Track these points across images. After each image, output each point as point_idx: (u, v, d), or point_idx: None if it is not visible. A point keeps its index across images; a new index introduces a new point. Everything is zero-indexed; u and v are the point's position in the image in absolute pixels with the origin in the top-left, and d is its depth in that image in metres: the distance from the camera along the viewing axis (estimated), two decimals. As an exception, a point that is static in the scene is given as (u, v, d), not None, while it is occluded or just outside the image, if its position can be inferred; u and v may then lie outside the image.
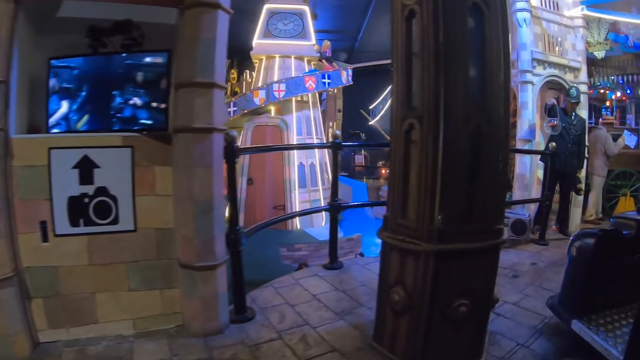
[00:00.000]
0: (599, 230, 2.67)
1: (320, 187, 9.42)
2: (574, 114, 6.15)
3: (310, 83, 9.05)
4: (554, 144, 5.62)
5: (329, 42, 11.13)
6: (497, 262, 2.49)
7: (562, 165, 6.01)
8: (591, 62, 11.08)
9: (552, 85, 6.85)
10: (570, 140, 6.05)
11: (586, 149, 6.45)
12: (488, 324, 2.64)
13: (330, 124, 20.18)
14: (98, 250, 2.73)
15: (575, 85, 6.28)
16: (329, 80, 9.33)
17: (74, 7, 2.99)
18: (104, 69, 3.00)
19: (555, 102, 5.96)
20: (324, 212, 9.01)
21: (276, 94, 8.89)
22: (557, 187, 6.33)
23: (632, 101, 12.05)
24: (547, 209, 5.68)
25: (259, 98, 9.01)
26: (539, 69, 6.31)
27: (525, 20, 6.23)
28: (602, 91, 12.14)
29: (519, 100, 6.30)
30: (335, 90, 19.83)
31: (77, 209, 2.69)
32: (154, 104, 2.97)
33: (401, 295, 2.40)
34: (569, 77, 6.59)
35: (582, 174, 6.53)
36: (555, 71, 6.46)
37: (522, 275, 4.33)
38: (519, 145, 6.37)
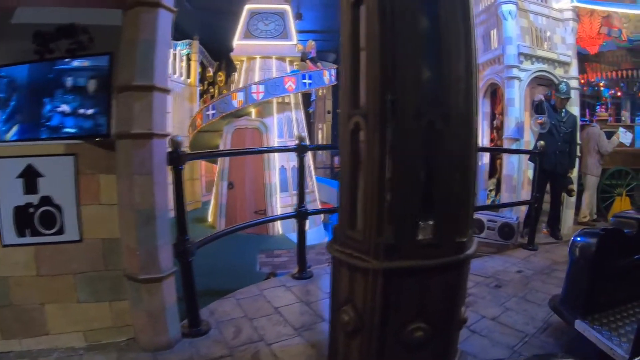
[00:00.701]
0: (601, 229, 2.67)
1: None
2: (564, 110, 5.80)
3: (290, 84, 8.73)
4: (542, 142, 5.27)
5: (313, 42, 10.87)
6: (461, 280, 2.14)
7: (552, 165, 5.66)
8: (584, 57, 10.80)
9: (541, 81, 6.49)
10: (560, 139, 5.69)
11: (578, 147, 6.08)
12: (457, 345, 2.31)
13: (320, 125, 20.04)
14: (45, 260, 2.70)
15: (565, 80, 5.92)
16: (310, 81, 8.99)
17: (20, 13, 3.02)
18: (42, 75, 2.91)
19: (543, 98, 5.62)
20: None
21: (255, 95, 8.61)
22: (548, 188, 6.01)
23: (627, 98, 11.73)
24: (536, 211, 5.36)
25: (237, 100, 8.74)
26: (526, 64, 5.95)
27: (510, 13, 5.87)
28: (596, 88, 11.84)
29: (505, 97, 5.93)
30: (325, 91, 19.77)
31: (23, 218, 2.68)
32: (97, 110, 2.86)
33: (351, 316, 2.07)
34: (558, 72, 6.23)
35: (574, 173, 6.17)
36: (544, 66, 6.10)
37: (506, 285, 4.03)
38: (506, 144, 6.01)
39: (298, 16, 12.38)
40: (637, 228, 2.80)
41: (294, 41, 9.45)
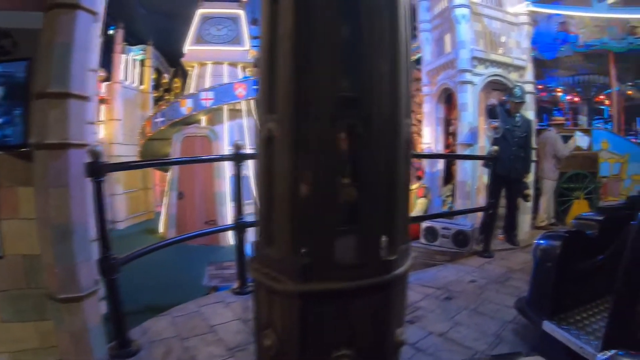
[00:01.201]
0: (564, 232, 2.75)
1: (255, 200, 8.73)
2: (518, 115, 5.65)
3: (240, 90, 8.41)
4: (496, 147, 5.09)
5: None
6: (391, 301, 1.87)
7: (506, 170, 5.50)
8: (541, 63, 10.85)
9: (496, 85, 6.34)
10: (514, 143, 5.54)
11: (533, 151, 5.94)
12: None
13: None
14: (-33, 278, 2.57)
15: (519, 84, 5.78)
16: None
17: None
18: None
19: (496, 103, 5.46)
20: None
21: (204, 102, 8.30)
22: (505, 194, 5.87)
23: (584, 102, 11.88)
24: (491, 218, 5.18)
25: (186, 107, 8.39)
26: (480, 68, 5.78)
27: (464, 17, 5.70)
28: (553, 93, 11.98)
29: (459, 102, 5.75)
30: None
31: (-56, 233, 2.53)
32: (7, 119, 2.68)
33: (273, 340, 1.81)
34: (513, 76, 6.09)
35: (530, 178, 6.04)
36: (499, 70, 5.95)
37: (457, 297, 3.83)
38: (459, 150, 5.82)
39: (254, 22, 12.10)
40: (599, 230, 2.85)
41: (247, 47, 9.14)
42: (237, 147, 3.69)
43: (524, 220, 6.15)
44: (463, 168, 5.68)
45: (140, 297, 5.65)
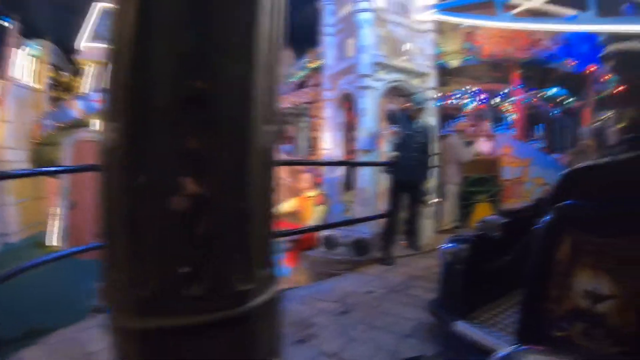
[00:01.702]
0: (470, 235, 2.91)
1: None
2: (418, 121, 5.63)
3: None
4: (394, 153, 5.01)
5: None
6: (256, 334, 1.58)
7: (407, 176, 5.43)
8: (447, 71, 11.13)
9: (400, 92, 6.30)
10: (414, 149, 5.49)
11: (434, 157, 5.95)
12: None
13: None
14: None
15: (419, 90, 5.76)
16: None
17: None
18: None
19: (396, 109, 5.41)
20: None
21: (96, 104, 7.59)
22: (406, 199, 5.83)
23: (489, 110, 12.32)
24: (391, 224, 5.12)
25: (76, 109, 7.66)
26: (381, 74, 5.70)
27: (367, 22, 5.59)
28: (457, 102, 12.33)
29: (358, 107, 5.63)
30: None
31: None
32: None
33: None
34: (416, 82, 6.07)
35: (432, 183, 6.04)
36: (401, 76, 5.90)
37: (353, 310, 3.64)
38: (358, 156, 5.70)
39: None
40: (502, 231, 2.95)
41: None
42: None
43: (427, 225, 6.14)
44: (362, 174, 5.56)
45: (26, 319, 5.08)
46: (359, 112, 5.61)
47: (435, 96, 6.25)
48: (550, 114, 12.30)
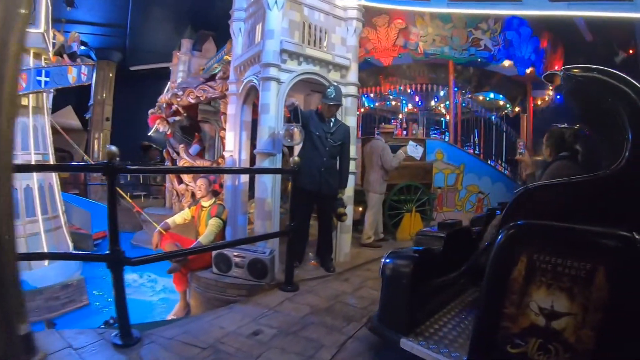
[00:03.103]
0: (412, 250, 2.94)
1: (40, 217, 7.04)
2: (332, 120, 4.89)
3: (19, 81, 6.70)
4: (297, 159, 4.23)
5: (77, 34, 9.03)
6: None
7: (315, 184, 4.70)
8: (379, 69, 10.54)
9: (316, 86, 5.54)
10: (326, 153, 4.75)
11: (352, 162, 5.22)
12: None
13: (97, 134, 17.86)
14: None
15: (335, 84, 5.02)
16: (47, 79, 7.03)
17: None
18: None
19: (297, 103, 4.61)
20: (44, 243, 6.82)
21: None
22: (316, 212, 5.09)
23: (423, 113, 11.83)
24: (295, 242, 4.34)
25: None
26: (290, 64, 4.89)
27: (277, 3, 4.77)
28: (393, 103, 11.78)
29: (260, 102, 4.81)
30: (105, 95, 17.66)
31: None
32: None
33: None
34: (333, 76, 5.30)
35: (348, 193, 5.31)
36: (315, 68, 5.10)
37: None
38: (257, 160, 4.88)
39: (69, 2, 10.28)
40: (443, 244, 3.13)
41: (41, 29, 7.38)
42: (111, 155, 2.82)
43: (343, 240, 5.40)
44: (262, 182, 4.72)
45: None
46: (260, 108, 4.79)
47: (355, 93, 5.51)
48: (487, 119, 11.93)
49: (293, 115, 4.58)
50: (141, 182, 14.96)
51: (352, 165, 5.37)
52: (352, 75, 5.50)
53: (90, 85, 15.52)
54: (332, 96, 4.76)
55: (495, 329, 2.01)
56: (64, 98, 14.74)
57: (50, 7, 7.79)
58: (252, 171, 5.29)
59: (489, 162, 10.70)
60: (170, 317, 5.20)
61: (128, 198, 7.55)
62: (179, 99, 7.72)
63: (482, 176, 9.22)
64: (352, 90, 5.48)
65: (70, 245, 8.02)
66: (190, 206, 5.52)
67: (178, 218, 5.28)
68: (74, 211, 9.17)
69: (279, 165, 4.77)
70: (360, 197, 6.87)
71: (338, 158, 4.92)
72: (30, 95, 7.16)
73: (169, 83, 11.95)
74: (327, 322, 3.46)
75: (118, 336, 2.84)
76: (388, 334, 2.73)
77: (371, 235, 6.44)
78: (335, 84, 5.04)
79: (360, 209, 7.15)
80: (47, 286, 6.03)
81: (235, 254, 4.41)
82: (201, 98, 7.24)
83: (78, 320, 5.92)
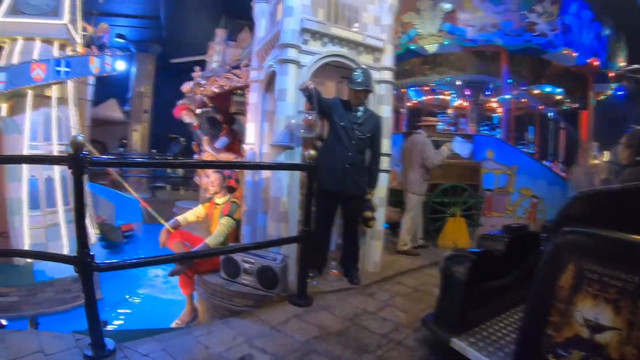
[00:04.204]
0: (471, 252, 2.84)
1: (61, 208, 6.80)
2: (361, 108, 4.24)
3: (39, 72, 6.50)
4: (312, 152, 3.60)
5: (106, 25, 8.77)
6: None
7: (338, 183, 4.07)
8: (423, 59, 9.75)
9: (349, 73, 4.90)
10: (352, 147, 4.11)
11: (381, 158, 4.53)
12: None
13: (135, 126, 17.94)
14: None
15: (364, 66, 4.38)
16: (67, 69, 6.75)
17: None
18: None
19: (311, 86, 3.99)
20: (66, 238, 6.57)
21: None
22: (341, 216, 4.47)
23: (473, 108, 10.90)
24: (312, 249, 3.77)
25: None
26: (313, 45, 4.29)
27: (298, -23, 4.20)
28: (441, 97, 10.90)
29: (277, 88, 4.23)
30: (143, 89, 17.80)
31: None
32: None
33: None
34: (365, 59, 4.64)
35: (380, 194, 4.66)
36: (343, 50, 4.47)
37: None
38: (272, 154, 4.30)
39: (103, -6, 10.23)
40: (505, 248, 3.01)
41: (65, 20, 7.18)
42: (76, 145, 2.41)
43: (373, 247, 4.73)
44: (277, 179, 4.12)
45: None
46: (276, 95, 4.22)
47: (391, 79, 4.84)
48: (543, 115, 10.84)
49: (309, 100, 3.98)
50: (181, 175, 14.98)
51: (385, 162, 4.70)
52: (387, 59, 4.84)
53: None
54: (360, 80, 4.12)
55: (540, 336, 1.97)
56: (105, 90, 15.00)
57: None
58: (259, 167, 4.75)
59: (545, 162, 9.63)
60: (174, 324, 4.81)
61: (130, 189, 7.25)
62: (202, 88, 7.30)
63: (537, 178, 8.23)
64: (387, 75, 4.82)
65: (95, 236, 7.90)
66: (204, 203, 5.06)
67: (190, 215, 4.88)
68: (100, 202, 9.09)
69: (297, 160, 4.15)
70: (399, 198, 6.19)
71: (367, 153, 4.28)
72: (54, 86, 6.98)
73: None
74: (333, 352, 2.83)
75: (89, 346, 2.54)
76: (440, 332, 2.75)
77: (408, 241, 5.72)
78: (364, 66, 4.39)
79: (399, 211, 6.44)
80: (58, 278, 5.78)
81: (244, 258, 3.87)
82: (225, 87, 6.78)
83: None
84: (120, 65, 12.36)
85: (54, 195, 6.78)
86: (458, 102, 10.92)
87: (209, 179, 4.85)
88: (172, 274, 4.52)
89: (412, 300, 3.93)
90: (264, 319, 3.31)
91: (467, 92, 10.64)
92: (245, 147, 5.09)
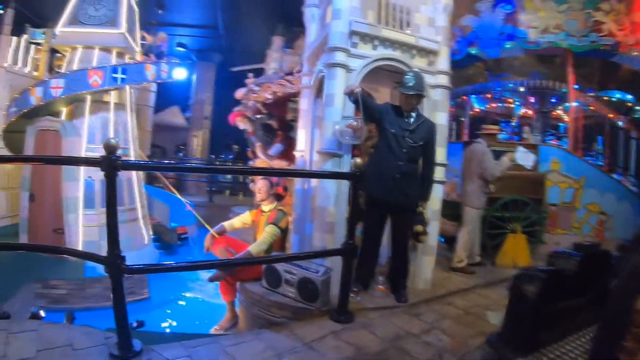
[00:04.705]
0: (542, 271, 2.72)
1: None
2: (413, 115, 3.98)
3: (96, 78, 6.80)
4: (358, 160, 3.39)
5: (164, 35, 9.07)
6: None
7: (387, 193, 3.84)
8: (485, 64, 9.31)
9: (399, 77, 4.66)
10: (403, 156, 3.86)
11: (434, 168, 4.24)
12: None
13: (195, 132, 18.43)
14: None
15: (416, 70, 4.13)
16: (124, 76, 7.01)
17: None
18: None
19: (360, 90, 3.77)
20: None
21: (53, 91, 6.79)
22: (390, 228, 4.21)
23: (539, 116, 10.28)
24: (351, 265, 3.47)
25: (35, 96, 6.83)
26: (363, 48, 4.09)
27: (346, -23, 4.04)
28: (506, 105, 10.38)
29: (325, 93, 4.06)
30: (204, 96, 18.68)
31: None
32: None
33: None
34: (419, 63, 4.39)
35: (434, 207, 4.38)
36: (395, 53, 4.24)
37: None
38: (319, 162, 4.12)
39: (159, 5, 10.55)
40: (577, 267, 2.93)
41: (122, 29, 7.47)
42: (110, 148, 2.44)
43: (425, 263, 4.45)
44: (323, 188, 3.94)
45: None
46: (324, 100, 4.05)
47: (447, 83, 4.56)
48: (613, 124, 10.07)
49: (356, 106, 3.78)
50: (240, 180, 15.13)
51: (440, 173, 4.41)
52: (443, 62, 4.56)
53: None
54: (411, 84, 3.87)
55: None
56: (168, 97, 15.54)
57: (135, 10, 8.00)
58: (299, 174, 4.65)
59: (614, 175, 8.85)
60: (213, 330, 4.72)
61: (176, 192, 7.41)
62: (255, 95, 7.29)
63: (605, 192, 7.62)
64: (443, 80, 4.54)
65: (149, 238, 8.13)
66: (252, 209, 4.98)
67: (236, 222, 4.83)
68: (155, 204, 9.36)
69: (346, 169, 3.95)
70: (457, 211, 5.81)
71: (420, 163, 4.02)
72: (112, 92, 7.27)
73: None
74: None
75: (116, 346, 2.56)
76: (504, 352, 2.65)
77: (464, 258, 5.35)
78: (415, 69, 4.14)
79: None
80: (106, 275, 5.88)
81: (286, 269, 3.72)
82: (278, 93, 6.73)
83: (130, 314, 6.05)
84: (179, 73, 12.77)
85: (103, 197, 7.07)
86: (523, 110, 10.35)
87: (256, 186, 4.74)
88: (211, 280, 4.48)
89: (461, 324, 3.61)
90: (298, 333, 3.13)
91: (532, 100, 10.07)
92: (296, 154, 4.98)
